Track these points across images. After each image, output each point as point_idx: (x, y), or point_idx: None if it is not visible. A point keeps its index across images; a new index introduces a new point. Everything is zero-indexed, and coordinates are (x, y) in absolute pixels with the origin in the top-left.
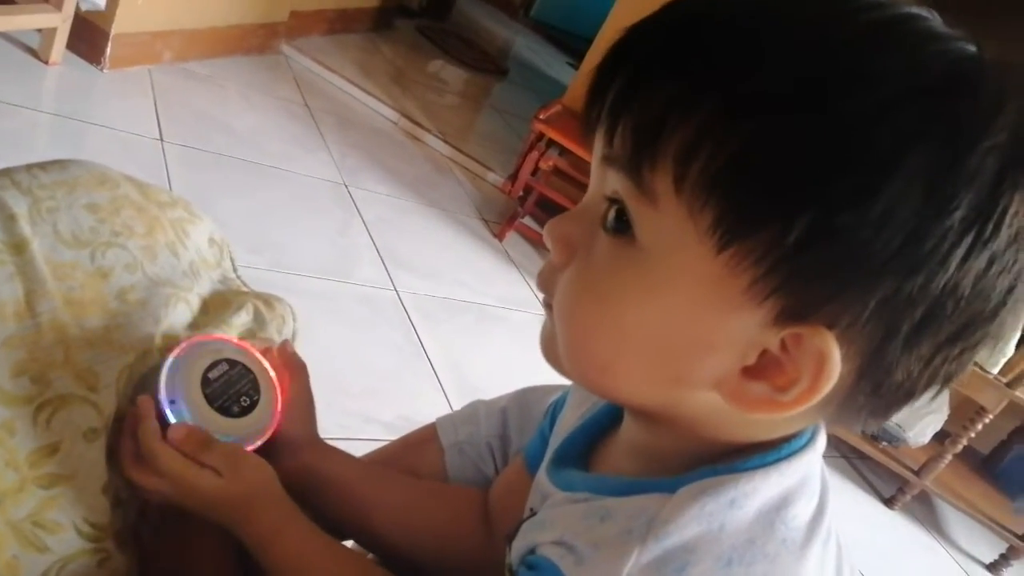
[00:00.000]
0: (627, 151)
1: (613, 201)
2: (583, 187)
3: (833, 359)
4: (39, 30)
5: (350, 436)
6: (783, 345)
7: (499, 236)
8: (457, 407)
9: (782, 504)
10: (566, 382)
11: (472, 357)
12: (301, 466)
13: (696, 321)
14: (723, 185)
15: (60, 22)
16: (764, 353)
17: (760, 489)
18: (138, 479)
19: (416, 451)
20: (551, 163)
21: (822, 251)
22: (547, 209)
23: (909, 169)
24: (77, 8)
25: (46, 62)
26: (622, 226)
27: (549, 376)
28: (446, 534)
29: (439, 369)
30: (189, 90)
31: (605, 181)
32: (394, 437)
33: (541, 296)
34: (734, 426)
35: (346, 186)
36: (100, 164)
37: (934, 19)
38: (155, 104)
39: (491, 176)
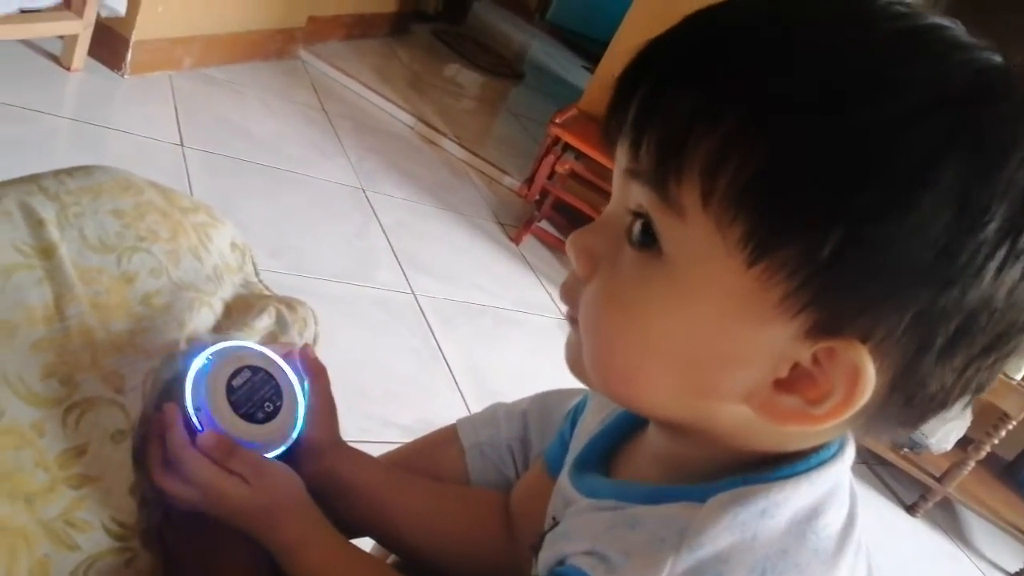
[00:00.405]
0: (652, 164)
1: (638, 214)
2: (600, 191)
3: (868, 373)
4: (61, 37)
5: (370, 439)
6: (815, 358)
7: (515, 240)
8: (475, 410)
9: (813, 514)
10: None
11: (489, 360)
12: (324, 470)
13: (725, 334)
14: (752, 198)
15: (82, 29)
16: (796, 366)
17: (791, 499)
18: (167, 486)
19: (437, 452)
20: (567, 167)
21: (856, 265)
22: (564, 213)
23: (941, 181)
24: (98, 15)
25: (68, 68)
26: (648, 239)
27: (567, 380)
28: (469, 538)
29: (457, 372)
30: (209, 95)
31: (628, 194)
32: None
33: (564, 308)
34: (764, 437)
35: (363, 190)
36: (124, 170)
37: (957, 28)
38: (175, 109)
39: (507, 180)
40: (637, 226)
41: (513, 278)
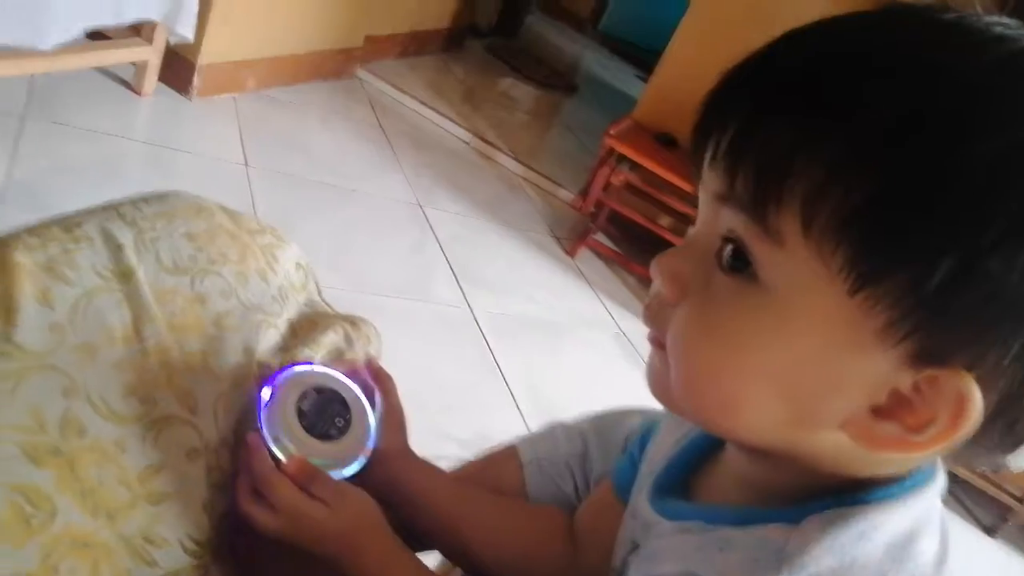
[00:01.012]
0: (749, 191)
1: (729, 239)
2: (656, 202)
3: (974, 401)
4: (133, 63)
5: (428, 453)
6: (915, 385)
7: (571, 253)
8: (532, 423)
9: (910, 538)
10: (640, 405)
11: (545, 374)
12: (393, 479)
13: (824, 362)
14: (856, 228)
15: (152, 55)
16: (894, 392)
17: (887, 522)
18: (254, 514)
19: (497, 467)
20: (623, 179)
21: (966, 295)
22: (619, 225)
23: None
24: (167, 41)
25: (139, 93)
26: (741, 264)
27: (623, 394)
28: (532, 554)
29: (513, 385)
30: (271, 116)
31: (719, 218)
32: (470, 454)
33: (647, 331)
34: (859, 463)
35: (420, 206)
36: (195, 194)
37: None
38: (240, 130)
39: (562, 193)
40: (728, 250)
41: (568, 291)
